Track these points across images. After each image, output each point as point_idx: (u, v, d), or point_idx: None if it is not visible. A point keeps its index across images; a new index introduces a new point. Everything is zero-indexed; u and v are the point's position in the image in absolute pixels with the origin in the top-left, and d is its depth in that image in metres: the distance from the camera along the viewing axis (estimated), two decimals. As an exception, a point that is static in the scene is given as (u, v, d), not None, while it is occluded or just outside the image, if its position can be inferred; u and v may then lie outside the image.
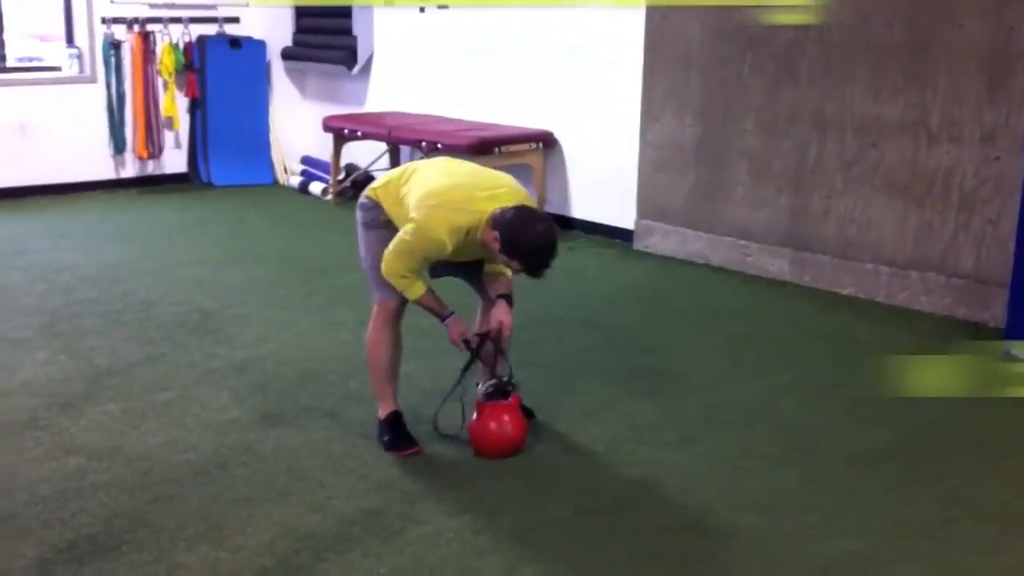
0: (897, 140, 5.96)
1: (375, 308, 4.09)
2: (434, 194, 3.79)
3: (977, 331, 5.55)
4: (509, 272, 3.99)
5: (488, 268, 4.06)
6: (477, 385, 4.21)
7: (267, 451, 4.07)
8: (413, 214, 3.77)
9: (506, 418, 4.03)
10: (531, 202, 3.92)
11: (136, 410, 4.45)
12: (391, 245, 3.83)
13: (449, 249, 3.77)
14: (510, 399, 4.06)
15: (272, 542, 3.39)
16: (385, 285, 3.93)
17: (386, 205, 3.97)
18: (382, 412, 4.16)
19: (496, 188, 3.87)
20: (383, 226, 3.97)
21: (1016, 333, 5.04)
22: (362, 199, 4.10)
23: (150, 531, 3.45)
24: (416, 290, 3.88)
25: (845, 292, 6.27)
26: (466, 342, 4.01)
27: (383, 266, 3.85)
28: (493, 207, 3.75)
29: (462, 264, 4.06)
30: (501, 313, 3.97)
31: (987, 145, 5.61)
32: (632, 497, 3.75)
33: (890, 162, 6.01)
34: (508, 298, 4.00)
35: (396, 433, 4.10)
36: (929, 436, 4.28)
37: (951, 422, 4.42)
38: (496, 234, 3.70)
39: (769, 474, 3.93)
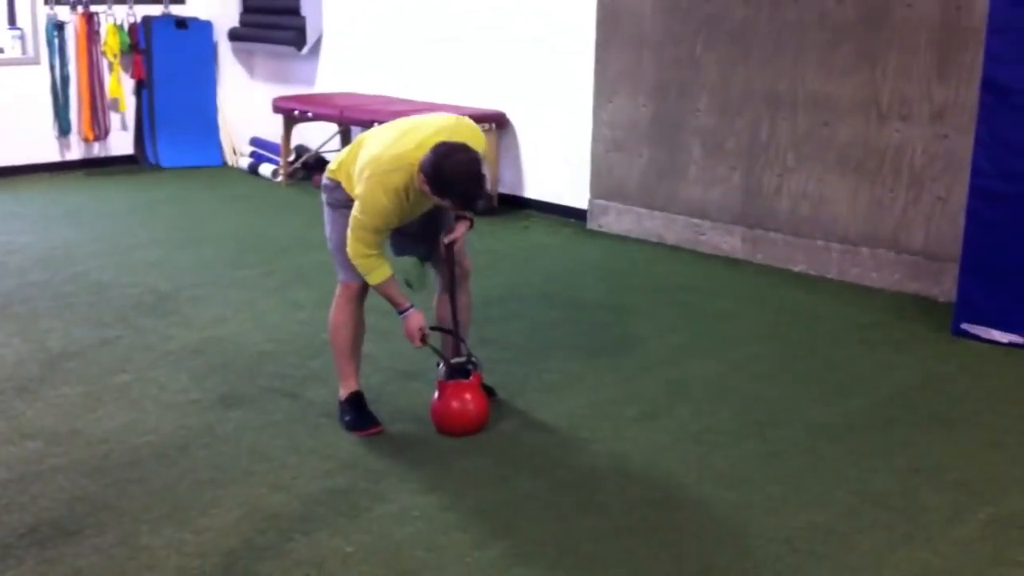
0: (848, 118, 6.02)
1: (338, 288, 4.09)
2: (369, 163, 3.79)
3: (928, 306, 5.64)
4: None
5: None
6: (438, 365, 4.20)
7: (228, 432, 4.04)
8: (357, 190, 3.80)
9: (468, 396, 4.05)
10: (477, 135, 3.90)
11: (93, 393, 4.39)
12: (349, 228, 3.82)
13: (396, 212, 3.78)
14: (471, 378, 4.07)
15: (237, 523, 3.38)
16: (350, 266, 3.92)
17: (344, 184, 3.97)
18: (343, 392, 4.15)
19: (424, 136, 3.80)
20: (347, 204, 3.94)
21: (966, 308, 5.12)
22: (324, 180, 4.09)
23: (112, 514, 3.42)
24: (380, 275, 3.87)
25: (797, 269, 6.33)
26: (423, 339, 3.99)
27: (348, 250, 3.85)
28: (421, 155, 3.72)
29: (423, 235, 4.08)
30: (459, 227, 4.01)
31: (936, 123, 5.68)
32: (598, 472, 3.77)
33: (841, 140, 6.07)
34: (470, 221, 4.05)
35: (358, 413, 4.10)
36: (886, 409, 4.34)
37: (907, 396, 4.49)
38: (423, 177, 3.68)
39: (732, 447, 3.97)
